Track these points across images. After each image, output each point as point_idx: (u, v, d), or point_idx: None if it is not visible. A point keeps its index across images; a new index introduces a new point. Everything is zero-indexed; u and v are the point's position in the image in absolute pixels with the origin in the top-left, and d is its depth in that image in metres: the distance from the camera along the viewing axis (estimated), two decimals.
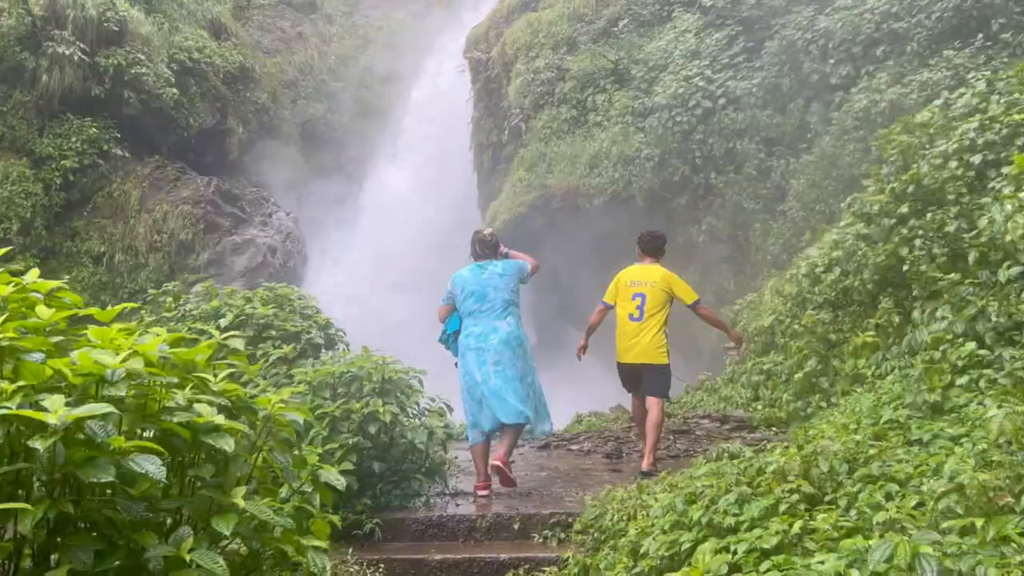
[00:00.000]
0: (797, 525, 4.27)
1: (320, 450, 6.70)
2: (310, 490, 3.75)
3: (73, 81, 21.99)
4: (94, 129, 22.41)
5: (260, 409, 3.50)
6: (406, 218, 28.88)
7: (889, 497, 4.56)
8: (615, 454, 9.83)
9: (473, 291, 8.34)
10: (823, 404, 9.05)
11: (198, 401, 3.15)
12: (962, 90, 9.95)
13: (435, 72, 31.35)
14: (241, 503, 3.02)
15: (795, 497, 4.66)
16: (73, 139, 22.19)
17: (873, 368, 8.31)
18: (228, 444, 3.01)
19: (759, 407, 11.14)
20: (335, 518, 3.82)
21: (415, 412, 7.90)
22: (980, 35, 13.95)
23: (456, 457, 9.99)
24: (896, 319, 8.50)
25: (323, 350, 9.10)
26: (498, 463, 7.92)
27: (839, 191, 14.50)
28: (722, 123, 17.69)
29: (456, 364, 8.53)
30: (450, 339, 8.60)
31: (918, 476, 4.83)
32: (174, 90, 23.99)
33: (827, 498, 4.87)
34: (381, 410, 7.06)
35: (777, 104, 17.24)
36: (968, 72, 13.31)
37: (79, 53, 21.77)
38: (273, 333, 8.91)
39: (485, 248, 8.56)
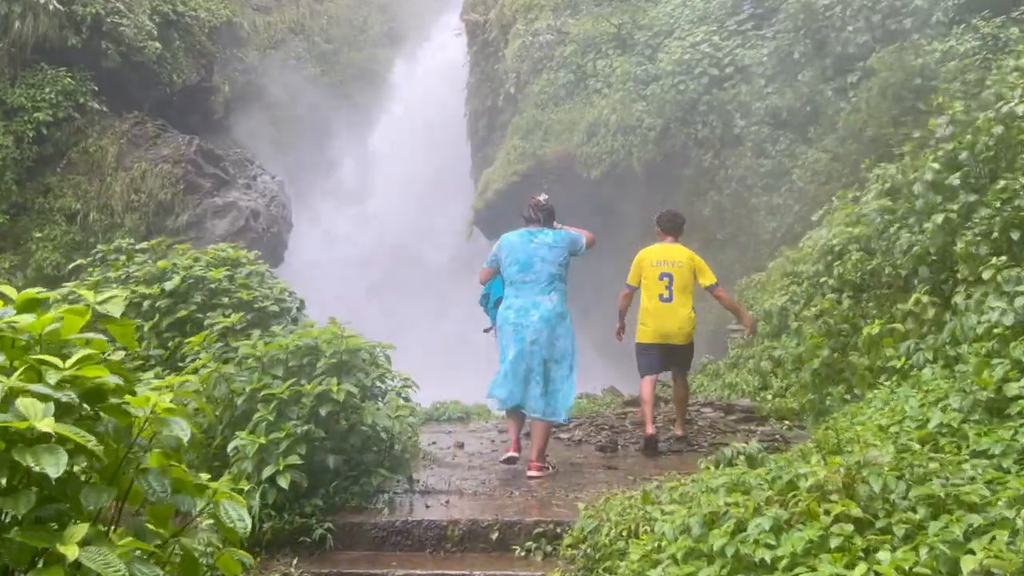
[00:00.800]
0: (859, 570, 3.28)
1: (263, 439, 5.70)
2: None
3: (48, 30, 20.85)
4: (70, 80, 21.24)
5: (135, 410, 2.49)
6: (396, 186, 28.00)
7: (969, 534, 3.57)
8: (610, 447, 8.87)
9: (518, 259, 7.91)
10: (847, 396, 8.08)
11: (26, 395, 2.15)
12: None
13: (431, 35, 30.36)
14: (72, 553, 2.00)
15: (848, 527, 3.66)
16: (47, 90, 21.03)
17: (904, 359, 7.34)
18: (55, 464, 2.00)
19: (768, 396, 10.27)
20: (249, 557, 2.82)
21: (380, 393, 6.88)
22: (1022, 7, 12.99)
23: (434, 443, 9.04)
24: (930, 309, 7.53)
25: (280, 320, 8.09)
26: (533, 473, 7.61)
27: (854, 166, 13.60)
28: (728, 92, 16.77)
29: (485, 330, 8.44)
30: (491, 306, 8.22)
31: (996, 501, 3.86)
32: (156, 44, 22.90)
33: (878, 524, 3.90)
34: (335, 389, 6.02)
35: (787, 74, 16.30)
36: (1000, 42, 12.47)
37: (54, 1, 20.61)
38: (225, 300, 7.90)
39: (539, 212, 8.05)
